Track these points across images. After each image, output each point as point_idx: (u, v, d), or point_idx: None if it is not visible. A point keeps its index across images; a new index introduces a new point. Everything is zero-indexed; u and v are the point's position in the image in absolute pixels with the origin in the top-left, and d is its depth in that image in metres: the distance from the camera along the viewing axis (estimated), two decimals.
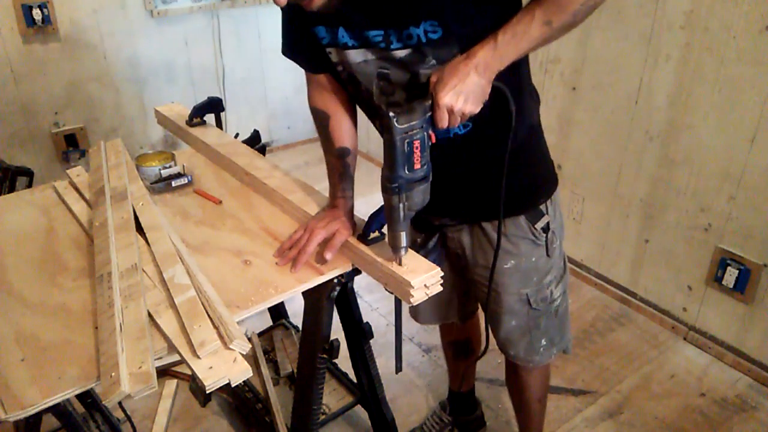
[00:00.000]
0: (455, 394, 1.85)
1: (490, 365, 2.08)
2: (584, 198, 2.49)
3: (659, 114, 2.11)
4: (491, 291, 1.28)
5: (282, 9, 1.11)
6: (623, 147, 2.26)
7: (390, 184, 0.98)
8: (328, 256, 1.13)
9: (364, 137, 3.66)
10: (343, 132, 1.24)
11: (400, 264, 1.07)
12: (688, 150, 2.06)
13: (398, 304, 1.22)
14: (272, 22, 3.48)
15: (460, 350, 1.74)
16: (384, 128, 0.94)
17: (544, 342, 1.39)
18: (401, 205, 1.00)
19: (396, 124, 0.92)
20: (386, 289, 1.10)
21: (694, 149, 2.04)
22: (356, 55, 1.08)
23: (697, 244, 2.13)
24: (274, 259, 1.16)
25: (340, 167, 1.24)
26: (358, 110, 1.27)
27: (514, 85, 1.04)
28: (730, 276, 2.03)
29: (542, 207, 1.26)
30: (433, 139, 0.99)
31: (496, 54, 0.95)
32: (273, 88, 3.70)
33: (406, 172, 0.97)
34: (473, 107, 0.96)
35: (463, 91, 0.94)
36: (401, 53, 1.03)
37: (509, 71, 1.01)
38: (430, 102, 0.96)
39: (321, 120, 1.25)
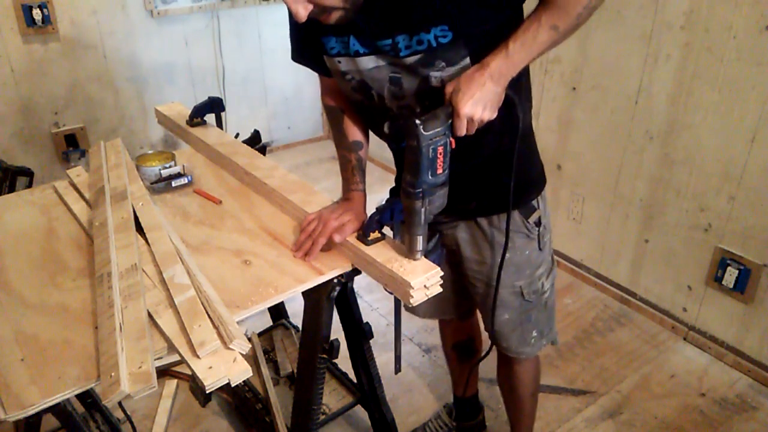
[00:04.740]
0: (460, 400, 1.85)
1: (490, 365, 2.06)
2: (584, 198, 2.49)
3: (659, 114, 2.11)
4: (497, 285, 1.29)
5: (290, 18, 1.14)
6: (623, 147, 2.26)
7: (414, 190, 1.00)
8: (337, 238, 1.14)
9: None
10: (357, 127, 1.28)
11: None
12: (688, 150, 2.06)
13: (397, 304, 1.22)
14: (272, 21, 3.48)
15: (464, 351, 1.74)
16: (409, 135, 0.97)
17: (534, 334, 1.42)
18: (423, 210, 1.02)
19: (423, 131, 0.95)
20: (386, 290, 1.10)
21: (694, 149, 2.04)
22: (368, 62, 1.10)
23: (697, 244, 2.13)
24: (280, 256, 1.17)
25: (353, 160, 1.27)
26: None
27: (513, 88, 1.06)
28: (730, 276, 2.03)
29: (534, 202, 1.29)
30: (453, 145, 1.02)
31: (509, 62, 1.00)
32: (273, 88, 3.70)
33: (430, 177, 1.00)
34: (491, 114, 1.01)
35: (481, 100, 0.99)
36: (411, 59, 1.05)
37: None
38: (450, 109, 1.00)
39: (335, 116, 1.30)
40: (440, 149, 0.98)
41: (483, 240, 1.30)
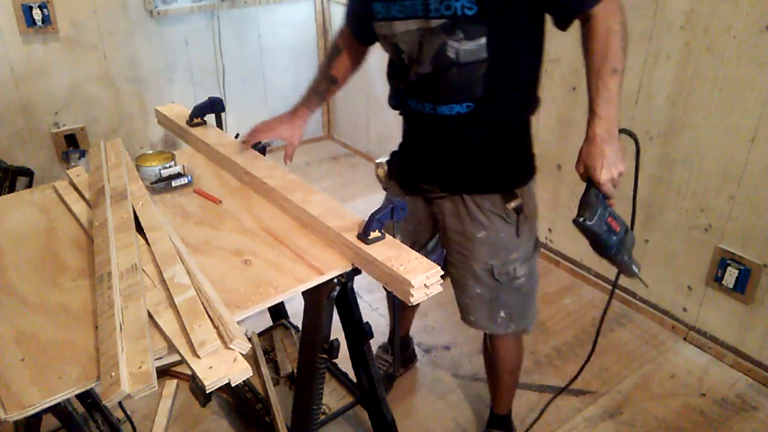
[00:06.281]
0: (399, 338, 2.02)
1: None
2: None
3: (659, 114, 2.11)
4: (458, 252, 1.44)
5: None
6: (623, 147, 2.26)
7: (611, 255, 1.22)
8: (287, 162, 1.49)
9: (364, 136, 3.66)
10: (344, 68, 1.53)
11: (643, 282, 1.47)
12: (688, 150, 2.06)
13: (397, 304, 1.22)
14: (272, 21, 3.48)
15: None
16: (583, 233, 1.18)
17: (502, 314, 1.50)
18: (624, 257, 1.25)
19: (589, 224, 1.14)
20: (386, 289, 1.10)
21: (694, 149, 2.04)
22: (400, 26, 1.27)
23: (697, 244, 2.13)
24: (280, 256, 1.17)
25: (322, 88, 1.54)
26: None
27: (514, 81, 1.27)
28: (730, 276, 2.03)
29: (517, 191, 1.39)
30: (613, 205, 1.19)
31: (603, 120, 1.15)
32: (273, 88, 3.69)
33: (615, 239, 1.20)
34: (622, 166, 1.18)
35: (608, 163, 1.16)
36: (437, 22, 1.20)
37: (510, 68, 1.22)
38: (592, 188, 1.17)
39: (335, 50, 1.53)
40: (609, 219, 1.16)
41: (465, 214, 1.41)
